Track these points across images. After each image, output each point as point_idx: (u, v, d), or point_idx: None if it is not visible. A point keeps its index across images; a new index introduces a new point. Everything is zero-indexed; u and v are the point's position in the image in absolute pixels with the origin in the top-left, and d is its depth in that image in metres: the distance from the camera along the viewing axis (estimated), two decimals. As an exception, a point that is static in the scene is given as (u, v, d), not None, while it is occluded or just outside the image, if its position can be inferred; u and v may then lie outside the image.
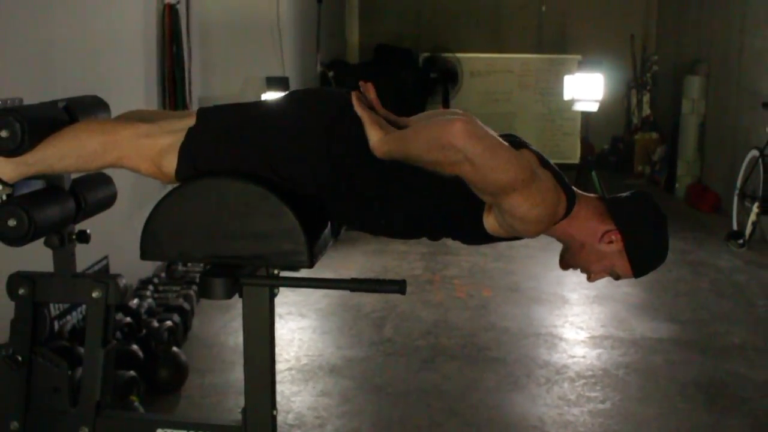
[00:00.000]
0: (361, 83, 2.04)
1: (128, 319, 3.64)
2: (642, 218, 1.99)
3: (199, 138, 1.95)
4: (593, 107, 7.02)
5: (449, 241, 5.69)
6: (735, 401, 3.51)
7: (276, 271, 2.19)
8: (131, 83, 4.69)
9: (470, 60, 10.05)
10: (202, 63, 5.85)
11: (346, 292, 4.72)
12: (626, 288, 5.06)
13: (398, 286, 1.91)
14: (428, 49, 9.74)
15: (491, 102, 10.20)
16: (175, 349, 3.54)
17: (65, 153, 2.03)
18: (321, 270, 5.16)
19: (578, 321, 4.45)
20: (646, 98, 9.89)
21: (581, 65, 7.37)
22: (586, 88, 7.07)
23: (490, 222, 1.94)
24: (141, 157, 2.00)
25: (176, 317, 3.92)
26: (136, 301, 4.11)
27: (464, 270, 5.45)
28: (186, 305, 4.13)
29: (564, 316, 4.54)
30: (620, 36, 10.06)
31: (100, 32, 4.21)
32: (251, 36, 6.08)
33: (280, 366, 3.76)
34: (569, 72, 8.00)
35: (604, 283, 5.02)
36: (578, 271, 2.08)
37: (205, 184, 1.94)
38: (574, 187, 1.98)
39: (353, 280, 1.94)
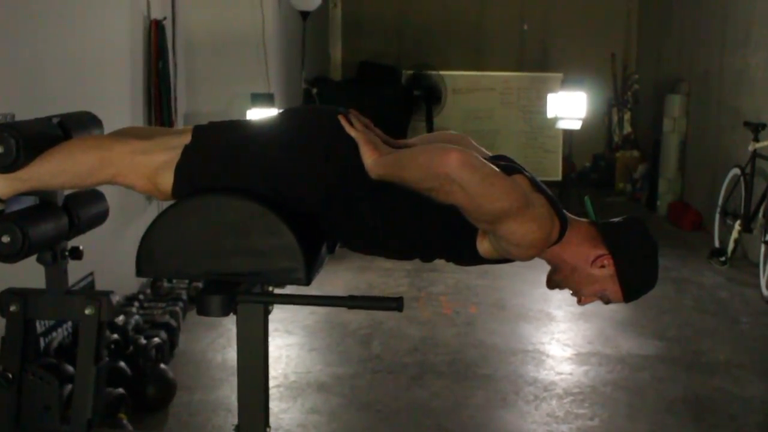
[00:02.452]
0: (351, 111, 2.05)
1: (115, 335, 3.61)
2: (634, 244, 2.00)
3: (195, 155, 1.95)
4: (576, 125, 7.08)
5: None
6: (723, 417, 3.53)
7: (271, 288, 2.20)
8: (117, 99, 4.67)
9: (452, 78, 10.07)
10: (187, 79, 5.85)
11: (332, 309, 4.77)
12: (611, 305, 5.07)
13: (396, 304, 1.91)
14: (410, 66, 9.78)
15: (473, 119, 10.23)
16: (162, 366, 3.52)
17: (60, 169, 2.03)
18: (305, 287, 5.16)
19: (564, 338, 4.46)
20: (627, 116, 9.97)
21: (564, 83, 7.43)
22: (569, 106, 7.12)
23: (484, 246, 1.95)
24: (136, 174, 2.00)
25: (163, 334, 3.89)
26: (122, 317, 4.07)
27: (450, 287, 5.45)
28: (173, 322, 4.11)
29: (550, 332, 4.55)
30: (601, 55, 10.16)
31: (86, 48, 4.19)
32: (237, 52, 6.08)
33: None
34: (551, 90, 8.07)
35: (589, 299, 5.04)
36: (565, 289, 2.09)
37: (202, 201, 1.94)
38: (566, 212, 2.00)
39: (351, 297, 1.95)
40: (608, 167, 9.75)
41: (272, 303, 2.02)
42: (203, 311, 1.93)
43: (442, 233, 1.96)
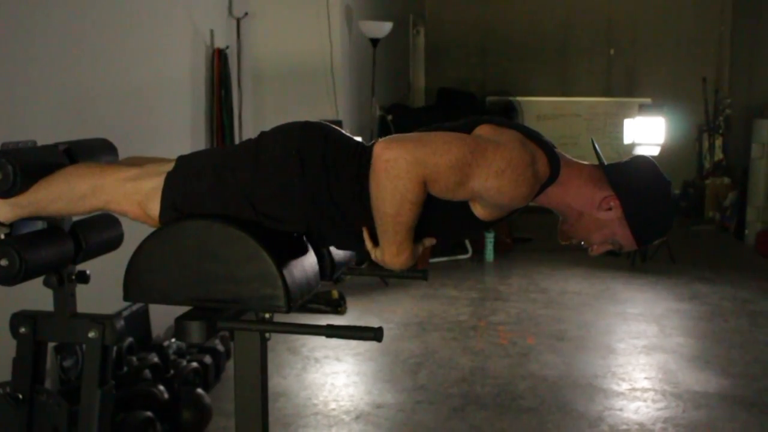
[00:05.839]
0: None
1: (156, 359, 3.67)
2: (642, 183, 1.93)
3: (176, 182, 1.96)
4: (654, 151, 6.85)
5: (501, 287, 5.55)
6: (776, 461, 3.33)
7: (268, 315, 2.17)
8: (179, 128, 4.78)
9: (537, 103, 9.97)
10: (254, 107, 5.95)
11: (387, 337, 4.72)
12: (678, 338, 4.88)
13: (374, 333, 1.87)
14: (493, 92, 9.74)
15: (559, 146, 9.83)
16: (198, 390, 3.54)
17: (56, 196, 2.07)
18: (365, 314, 5.18)
19: (621, 372, 4.29)
20: (718, 142, 9.62)
21: (642, 109, 7.23)
22: (647, 132, 6.92)
23: (479, 211, 1.92)
24: (128, 201, 2.02)
25: (208, 358, 3.93)
26: (173, 341, 4.14)
27: (512, 316, 5.33)
28: (220, 346, 4.14)
29: (607, 366, 4.38)
30: (692, 79, 9.85)
31: (148, 77, 4.31)
32: (305, 80, 6.15)
33: (306, 411, 3.73)
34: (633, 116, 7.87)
35: (655, 332, 4.88)
36: (578, 242, 2.02)
37: (184, 226, 1.95)
38: (564, 154, 1.95)
39: (329, 327, 1.91)
40: (698, 194, 9.41)
41: (252, 330, 1.99)
42: (181, 336, 1.93)
43: (434, 212, 1.90)
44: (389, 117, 7.72)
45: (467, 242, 7.08)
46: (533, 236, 7.61)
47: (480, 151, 1.76)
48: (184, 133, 4.83)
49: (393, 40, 7.45)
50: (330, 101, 6.17)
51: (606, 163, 1.97)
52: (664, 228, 1.97)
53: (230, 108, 5.20)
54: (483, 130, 1.86)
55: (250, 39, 5.82)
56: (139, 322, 4.08)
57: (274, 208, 1.95)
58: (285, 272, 1.92)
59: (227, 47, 5.20)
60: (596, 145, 2.06)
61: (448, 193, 1.83)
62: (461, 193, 1.83)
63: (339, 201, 1.93)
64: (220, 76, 5.10)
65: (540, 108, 9.99)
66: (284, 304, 1.92)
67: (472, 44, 10.68)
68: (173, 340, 4.16)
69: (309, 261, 2.09)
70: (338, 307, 5.27)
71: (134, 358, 3.69)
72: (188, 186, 1.96)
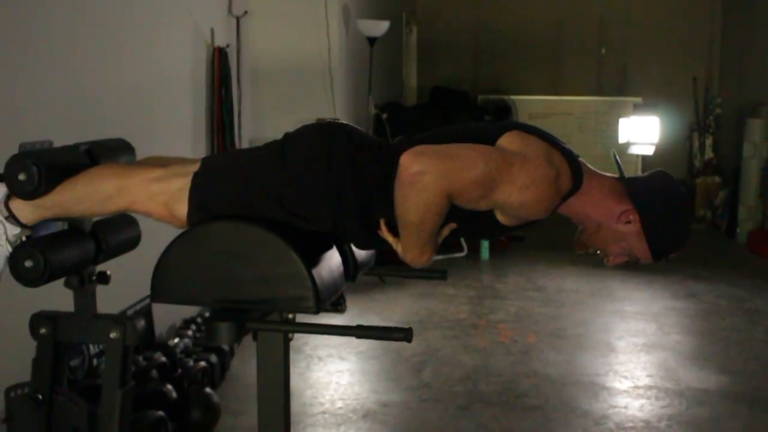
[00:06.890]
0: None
1: (163, 358, 3.67)
2: (661, 198, 1.97)
3: (202, 181, 1.97)
4: (649, 150, 6.91)
5: (498, 285, 5.57)
6: (781, 458, 3.37)
7: (291, 316, 2.18)
8: (179, 127, 4.77)
9: (529, 102, 10.01)
10: (253, 105, 5.95)
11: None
12: (676, 336, 4.92)
13: (404, 334, 1.88)
14: (485, 91, 9.78)
15: (550, 144, 10.13)
16: (207, 389, 3.54)
17: (80, 197, 2.07)
18: (365, 312, 5.18)
19: (623, 370, 4.32)
20: (708, 141, 9.69)
21: (637, 108, 7.29)
22: (642, 131, 6.97)
23: (500, 217, 1.95)
24: (153, 201, 2.03)
25: (213, 357, 3.93)
26: (177, 340, 4.14)
27: (511, 314, 5.36)
28: (225, 345, 4.14)
29: (609, 364, 4.42)
30: (682, 78, 9.91)
31: (149, 76, 4.30)
32: (303, 78, 6.15)
33: (313, 409, 3.75)
34: (626, 115, 7.92)
35: (654, 330, 4.91)
36: (594, 252, 2.05)
37: (212, 227, 1.96)
38: (590, 165, 1.97)
39: (359, 327, 1.92)
40: (688, 193, 9.45)
41: (281, 331, 2.00)
42: (211, 338, 1.94)
43: (458, 215, 1.92)
44: (384, 115, 7.74)
45: (462, 240, 7.10)
46: (527, 235, 7.64)
47: (506, 168, 1.79)
48: (185, 132, 4.82)
49: (387, 38, 7.45)
50: (327, 99, 6.17)
51: (626, 176, 2.00)
52: (681, 243, 2.00)
53: (230, 106, 5.20)
54: (510, 138, 1.87)
55: (249, 37, 5.81)
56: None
57: (302, 207, 1.96)
58: (314, 273, 1.93)
59: (227, 46, 5.19)
60: (618, 158, 2.09)
61: (471, 205, 1.88)
62: (483, 204, 1.87)
63: (363, 199, 1.96)
64: (220, 75, 5.09)
65: (532, 107, 10.03)
66: (313, 305, 1.94)
67: (464, 43, 10.72)
68: (177, 339, 4.16)
69: (335, 261, 2.11)
70: (338, 306, 5.25)
71: (141, 358, 3.69)
72: (215, 186, 1.97)
